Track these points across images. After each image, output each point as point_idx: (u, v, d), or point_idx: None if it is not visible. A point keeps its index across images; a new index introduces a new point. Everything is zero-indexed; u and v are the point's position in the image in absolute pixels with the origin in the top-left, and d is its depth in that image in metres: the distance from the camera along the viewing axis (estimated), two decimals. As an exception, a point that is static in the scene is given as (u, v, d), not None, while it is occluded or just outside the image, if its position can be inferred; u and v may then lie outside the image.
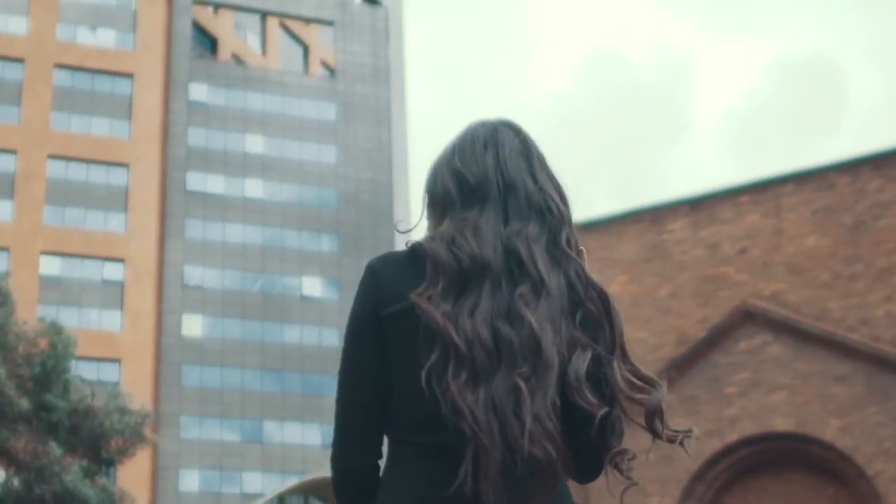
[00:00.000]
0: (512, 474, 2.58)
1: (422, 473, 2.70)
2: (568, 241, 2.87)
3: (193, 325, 67.20)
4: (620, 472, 2.84)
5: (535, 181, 2.92)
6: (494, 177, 2.90)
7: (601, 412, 2.73)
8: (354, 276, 69.73)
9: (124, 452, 33.51)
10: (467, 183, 2.90)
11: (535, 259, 2.80)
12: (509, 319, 2.70)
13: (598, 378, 2.76)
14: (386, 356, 2.79)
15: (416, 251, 2.83)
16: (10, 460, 31.73)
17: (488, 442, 2.57)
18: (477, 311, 2.70)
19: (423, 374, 2.65)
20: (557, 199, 2.92)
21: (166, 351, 66.01)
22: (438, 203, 2.94)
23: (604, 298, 2.82)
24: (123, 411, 33.52)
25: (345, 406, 2.82)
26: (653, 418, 2.84)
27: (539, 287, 2.76)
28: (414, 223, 3.03)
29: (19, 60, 67.67)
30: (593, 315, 2.80)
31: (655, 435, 2.88)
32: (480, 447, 2.58)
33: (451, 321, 2.68)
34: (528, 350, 2.66)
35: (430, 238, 2.85)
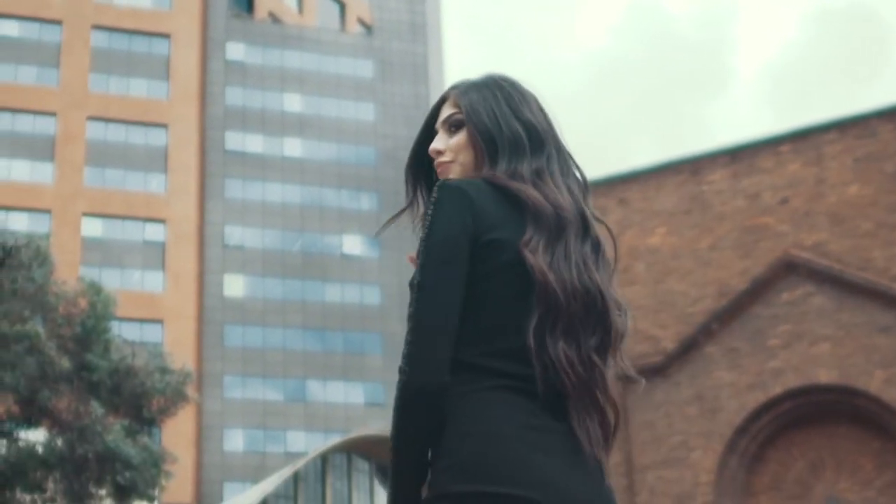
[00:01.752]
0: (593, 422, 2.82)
1: (515, 402, 2.75)
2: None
3: (235, 285, 67.36)
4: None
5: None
6: (551, 132, 3.05)
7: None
8: (394, 234, 69.33)
9: (166, 412, 33.54)
10: (536, 133, 3.00)
11: (591, 216, 3.00)
12: (588, 275, 2.88)
13: None
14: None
15: (495, 185, 2.91)
16: (53, 420, 31.86)
17: (584, 392, 2.79)
18: (572, 266, 2.85)
19: (532, 326, 2.77)
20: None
21: (208, 311, 66.21)
22: (505, 146, 2.97)
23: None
24: (164, 371, 33.52)
25: (430, 322, 2.74)
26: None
27: (597, 247, 2.96)
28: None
29: (57, 22, 67.75)
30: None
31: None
32: (576, 394, 2.78)
33: (555, 276, 2.80)
34: (602, 309, 2.87)
35: (510, 176, 2.93)
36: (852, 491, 25.80)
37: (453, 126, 3.05)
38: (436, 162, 3.06)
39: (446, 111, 3.08)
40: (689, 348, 27.07)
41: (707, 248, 27.71)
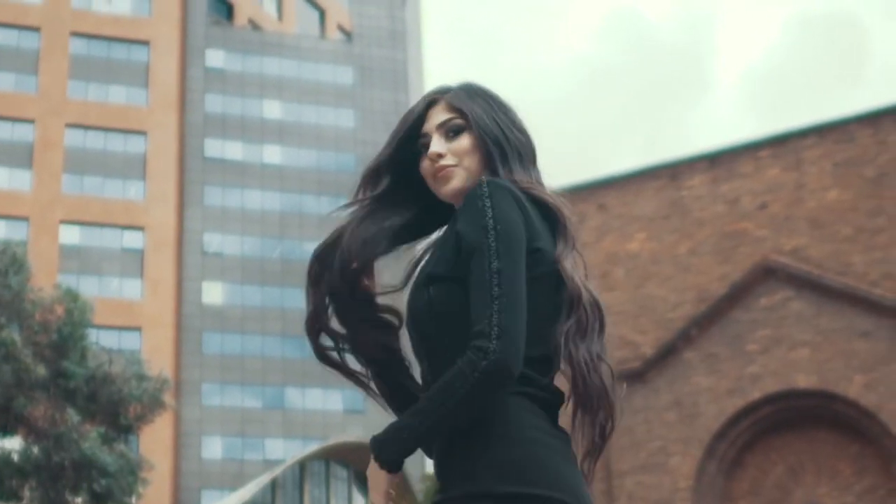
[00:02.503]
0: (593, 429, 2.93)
1: (534, 409, 2.82)
2: None
3: (213, 293, 67.11)
4: None
5: None
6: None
7: None
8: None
9: (143, 419, 33.35)
10: (532, 143, 3.09)
11: None
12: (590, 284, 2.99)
13: None
14: None
15: (524, 192, 2.92)
16: (29, 428, 31.66)
17: (598, 397, 2.89)
18: (586, 276, 2.96)
19: (563, 333, 2.86)
20: None
21: (187, 318, 65.94)
22: (514, 154, 3.01)
23: None
24: (142, 378, 33.35)
25: (519, 310, 2.75)
26: None
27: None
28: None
29: (35, 29, 67.44)
30: None
31: None
32: (592, 400, 2.89)
33: (585, 290, 2.91)
34: (602, 317, 2.98)
35: (531, 185, 2.98)
36: (831, 496, 25.78)
37: (452, 131, 3.02)
38: (436, 165, 3.01)
39: (440, 115, 3.05)
40: (668, 354, 27.03)
41: (686, 253, 27.69)
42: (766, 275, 26.59)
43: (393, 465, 2.80)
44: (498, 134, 3.00)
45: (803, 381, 25.94)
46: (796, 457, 26.24)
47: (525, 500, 2.69)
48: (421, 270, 2.99)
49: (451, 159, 3.00)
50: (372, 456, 2.81)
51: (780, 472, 26.38)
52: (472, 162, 3.00)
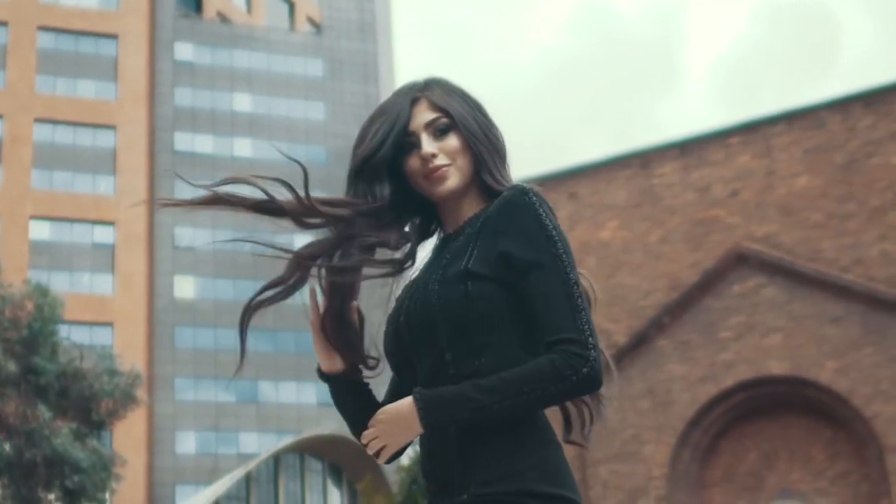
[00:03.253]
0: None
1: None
2: None
3: (185, 287, 66.84)
4: None
5: None
6: None
7: None
8: (346, 234, 69.33)
9: (115, 414, 33.16)
10: (504, 141, 3.14)
11: None
12: None
13: None
14: None
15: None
16: (0, 425, 31.44)
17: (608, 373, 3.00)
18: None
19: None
20: None
21: (159, 313, 65.68)
22: (495, 154, 3.07)
23: None
24: (113, 373, 33.17)
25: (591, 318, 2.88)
26: None
27: None
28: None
29: (2, 24, 66.97)
30: None
31: None
32: (598, 403, 3.08)
33: (591, 286, 3.14)
34: None
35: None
36: (805, 482, 25.85)
37: (439, 130, 3.02)
38: (431, 165, 3.00)
39: (426, 115, 3.04)
40: (640, 342, 27.04)
41: (658, 241, 27.69)
42: (738, 262, 26.62)
43: (437, 427, 2.81)
44: (480, 134, 3.02)
45: (776, 368, 25.98)
46: (769, 443, 26.29)
47: (558, 502, 2.78)
48: (445, 266, 2.94)
49: (445, 159, 3.00)
50: (417, 408, 2.79)
51: (754, 459, 26.43)
52: (464, 161, 3.02)
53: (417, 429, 2.80)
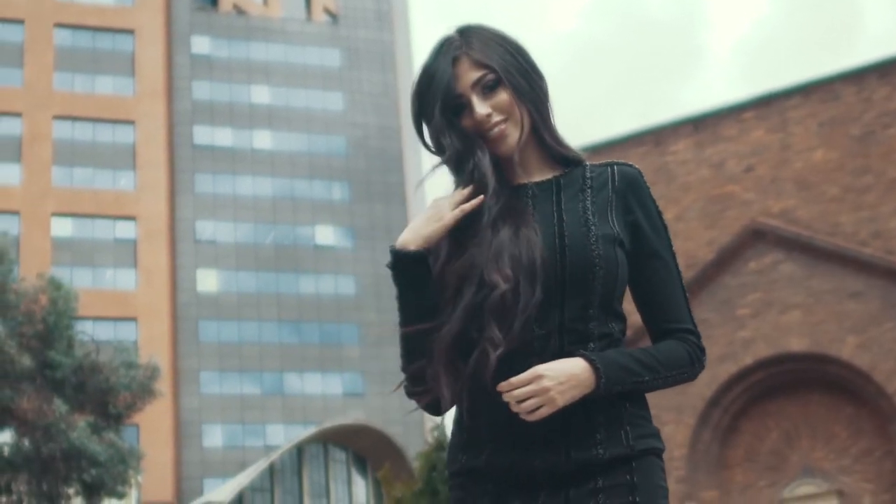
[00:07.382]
0: None
1: None
2: None
3: (208, 280, 66.79)
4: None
5: None
6: None
7: None
8: (367, 223, 69.23)
9: (132, 407, 33.01)
10: (546, 83, 3.13)
11: None
12: None
13: None
14: None
15: None
16: (17, 420, 31.31)
17: None
18: None
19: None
20: None
21: (182, 307, 65.65)
22: (544, 98, 3.05)
23: None
24: (130, 366, 33.01)
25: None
26: None
27: None
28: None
29: (19, 21, 67.03)
30: None
31: None
32: None
33: None
34: None
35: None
36: (828, 459, 25.48)
37: (487, 88, 2.92)
38: (489, 125, 2.90)
39: (471, 74, 2.92)
40: (657, 321, 26.67)
41: (673, 218, 27.31)
42: (755, 238, 26.23)
43: (611, 389, 2.82)
44: (526, 87, 2.94)
45: (796, 345, 25.60)
46: (791, 421, 25.92)
47: (662, 462, 2.93)
48: (579, 222, 2.89)
49: (499, 115, 2.91)
50: (595, 370, 2.78)
51: (776, 438, 26.07)
52: (517, 115, 2.92)
53: (587, 390, 2.79)
